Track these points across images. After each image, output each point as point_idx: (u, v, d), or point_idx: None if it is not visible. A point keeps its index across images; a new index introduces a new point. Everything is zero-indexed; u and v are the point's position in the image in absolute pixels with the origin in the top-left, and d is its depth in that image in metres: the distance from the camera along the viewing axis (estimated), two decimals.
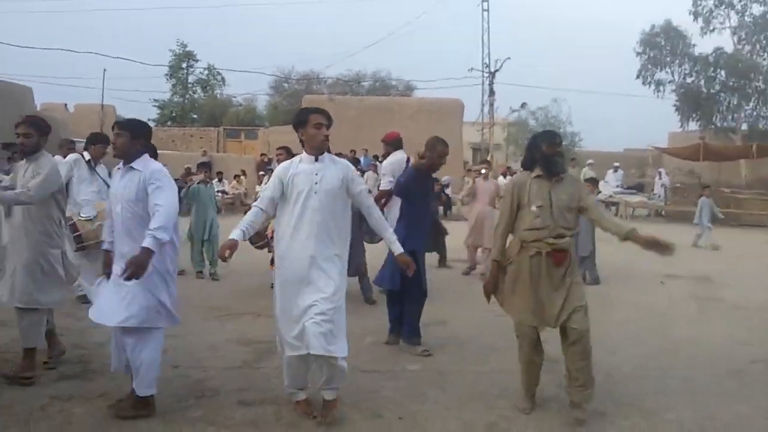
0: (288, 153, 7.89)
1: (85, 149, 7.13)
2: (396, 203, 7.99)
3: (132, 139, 4.01)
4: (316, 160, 3.99)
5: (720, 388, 4.74)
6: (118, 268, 3.89)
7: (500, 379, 4.80)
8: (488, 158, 15.75)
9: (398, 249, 4.10)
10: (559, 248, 4.04)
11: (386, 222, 4.22)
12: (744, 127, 28.68)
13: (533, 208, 4.06)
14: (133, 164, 3.99)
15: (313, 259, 3.85)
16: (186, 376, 4.67)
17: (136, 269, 3.62)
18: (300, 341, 3.81)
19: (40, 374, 4.56)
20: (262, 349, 5.42)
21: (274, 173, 4.10)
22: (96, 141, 7.09)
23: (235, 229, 3.89)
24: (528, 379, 4.25)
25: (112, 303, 3.89)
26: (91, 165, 6.96)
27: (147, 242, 3.65)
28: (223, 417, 3.97)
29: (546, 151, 4.12)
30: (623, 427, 3.96)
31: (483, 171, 9.58)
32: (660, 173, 22.79)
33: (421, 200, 5.62)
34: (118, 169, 4.12)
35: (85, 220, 6.06)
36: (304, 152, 4.06)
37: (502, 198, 4.48)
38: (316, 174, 3.94)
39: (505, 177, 15.97)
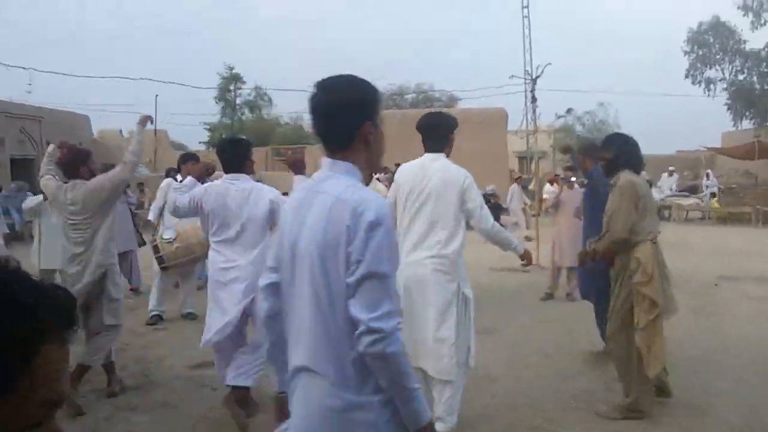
0: None
1: (178, 170, 7.46)
2: None
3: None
4: None
5: None
6: None
7: (548, 382, 4.85)
8: (533, 165, 15.66)
9: None
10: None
11: None
12: None
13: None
14: None
15: None
16: None
17: None
18: None
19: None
20: None
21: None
22: (187, 160, 7.17)
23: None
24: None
25: None
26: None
27: None
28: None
29: None
30: (669, 424, 3.96)
31: (573, 178, 8.14)
32: (707, 175, 22.28)
33: None
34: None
35: (166, 242, 6.43)
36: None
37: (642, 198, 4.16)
38: None
39: (552, 185, 15.79)
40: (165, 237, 6.53)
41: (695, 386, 4.66)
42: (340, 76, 1.88)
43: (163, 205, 7.17)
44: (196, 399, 4.58)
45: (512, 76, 19.31)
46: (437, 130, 3.82)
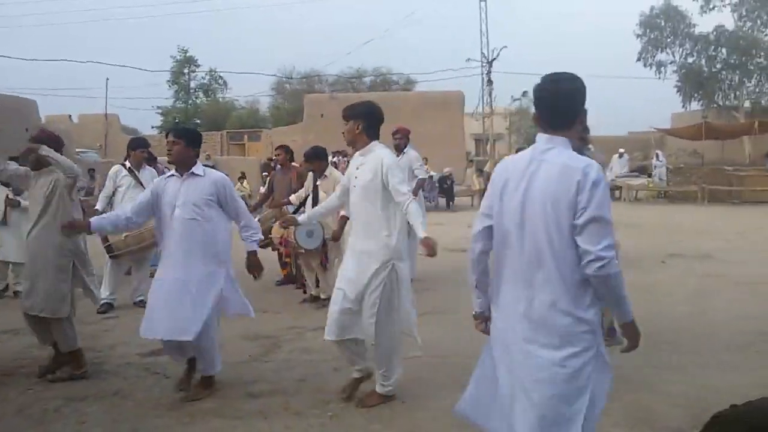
0: (286, 152, 8.03)
1: (127, 155, 7.24)
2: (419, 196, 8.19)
3: (186, 146, 4.28)
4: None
5: (721, 361, 4.83)
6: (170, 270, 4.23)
7: None
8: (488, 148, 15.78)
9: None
10: None
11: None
12: (746, 104, 28.60)
13: None
14: (194, 170, 4.30)
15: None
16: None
17: (256, 270, 4.48)
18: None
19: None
20: (269, 343, 5.56)
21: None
22: (136, 147, 7.12)
23: None
24: None
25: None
26: (133, 172, 7.06)
27: (251, 246, 4.43)
28: (233, 409, 4.10)
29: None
30: (626, 400, 4.04)
31: None
32: (657, 155, 22.84)
33: None
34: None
35: None
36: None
37: None
38: (357, 168, 4.06)
39: None
40: None
41: (644, 363, 4.78)
42: (565, 73, 2.46)
43: (112, 194, 7.01)
44: (148, 386, 4.50)
45: (468, 59, 19.46)
46: None
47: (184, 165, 4.28)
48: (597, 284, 2.29)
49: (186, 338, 4.10)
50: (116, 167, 7.23)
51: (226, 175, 16.32)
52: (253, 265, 4.45)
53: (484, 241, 2.60)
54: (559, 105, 2.43)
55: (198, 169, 4.28)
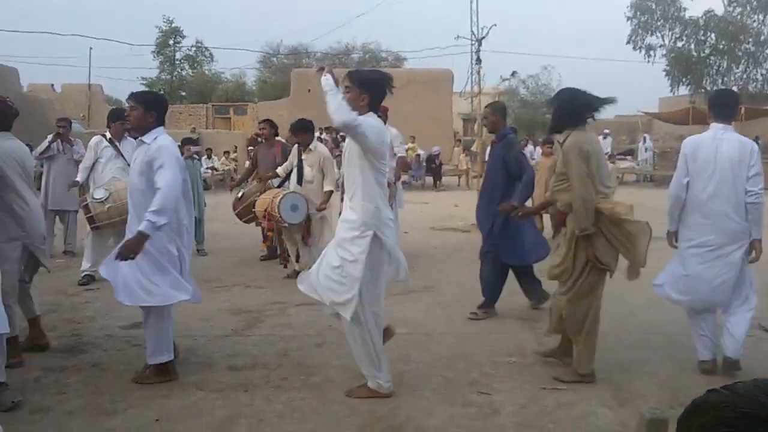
0: (271, 126, 7.94)
1: (108, 126, 7.13)
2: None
3: (144, 113, 4.08)
4: None
5: None
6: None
7: (484, 339, 4.94)
8: (476, 127, 15.71)
9: None
10: None
11: None
12: (734, 89, 28.72)
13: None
14: (143, 138, 4.08)
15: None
16: (177, 345, 4.77)
17: (126, 252, 3.78)
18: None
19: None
20: (252, 317, 5.55)
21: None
22: (116, 118, 6.98)
23: None
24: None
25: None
26: (114, 143, 6.96)
27: (142, 226, 3.75)
28: (214, 381, 4.09)
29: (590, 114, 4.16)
30: (600, 380, 4.09)
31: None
32: (644, 138, 22.86)
33: None
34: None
35: (97, 202, 6.23)
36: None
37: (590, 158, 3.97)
38: None
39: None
40: (96, 197, 6.33)
41: (626, 342, 4.83)
42: (728, 89, 4.56)
43: (93, 164, 6.89)
44: (128, 359, 4.48)
45: (458, 36, 19.18)
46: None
47: (140, 131, 4.15)
48: (751, 209, 4.02)
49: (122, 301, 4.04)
50: (97, 138, 7.10)
51: (209, 149, 16.23)
52: (127, 246, 3.81)
53: (685, 190, 4.16)
54: (728, 107, 4.32)
55: (148, 137, 4.04)
